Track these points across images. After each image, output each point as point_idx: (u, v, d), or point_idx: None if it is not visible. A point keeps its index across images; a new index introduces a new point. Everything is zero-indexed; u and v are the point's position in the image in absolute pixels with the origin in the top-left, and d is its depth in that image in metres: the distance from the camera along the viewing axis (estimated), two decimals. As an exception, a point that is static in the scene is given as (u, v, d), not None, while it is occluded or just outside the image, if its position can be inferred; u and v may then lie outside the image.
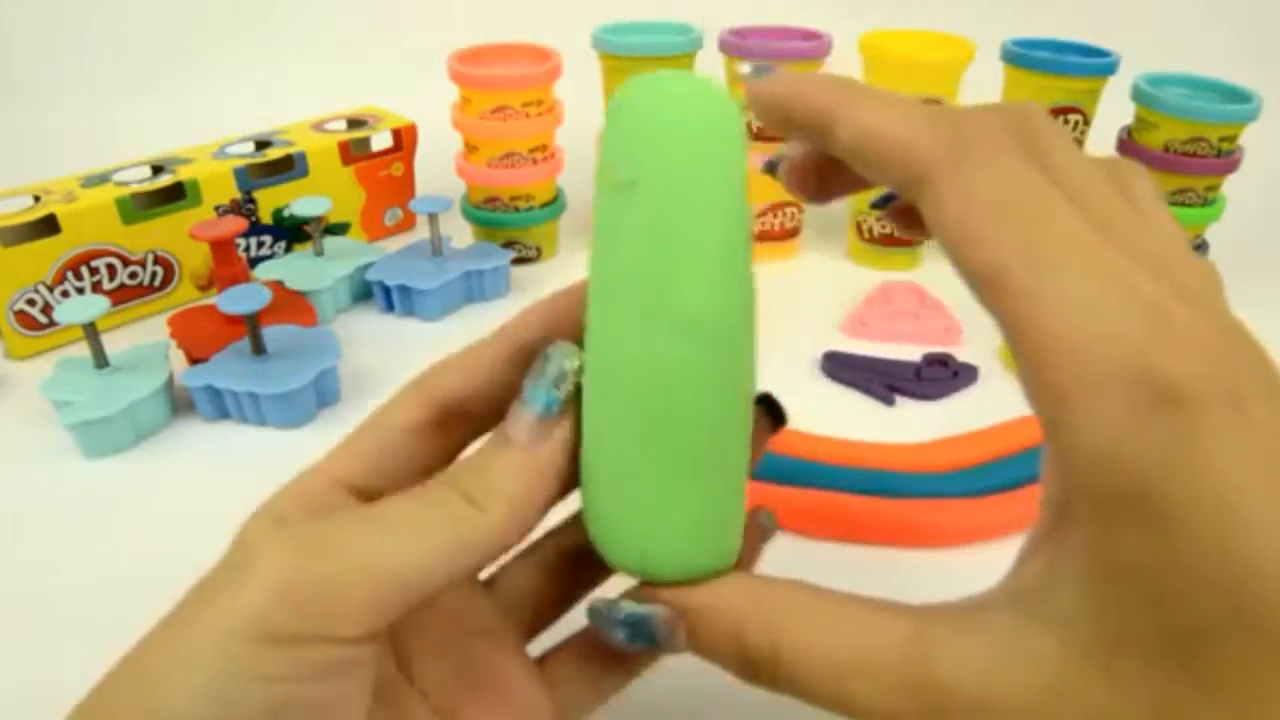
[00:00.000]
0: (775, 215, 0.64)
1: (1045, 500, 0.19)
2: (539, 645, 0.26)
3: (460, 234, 0.64)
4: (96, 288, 0.55)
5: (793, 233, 0.66)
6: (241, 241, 0.61)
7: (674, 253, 0.20)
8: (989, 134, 0.19)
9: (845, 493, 0.40)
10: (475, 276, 0.59)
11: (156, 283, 0.58)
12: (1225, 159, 0.55)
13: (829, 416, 0.44)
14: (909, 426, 0.46)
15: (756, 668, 0.20)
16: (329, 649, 0.18)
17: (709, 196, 0.20)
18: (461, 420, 0.24)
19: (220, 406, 0.48)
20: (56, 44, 0.88)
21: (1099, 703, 0.16)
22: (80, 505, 0.42)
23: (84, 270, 0.54)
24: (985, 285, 0.17)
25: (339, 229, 0.66)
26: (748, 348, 0.22)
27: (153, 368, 0.47)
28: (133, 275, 0.56)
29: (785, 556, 0.27)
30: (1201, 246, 0.59)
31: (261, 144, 0.62)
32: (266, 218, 0.62)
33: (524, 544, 0.26)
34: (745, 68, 0.23)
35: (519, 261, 0.63)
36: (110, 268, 0.55)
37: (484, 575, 0.26)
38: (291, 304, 0.53)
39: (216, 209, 0.59)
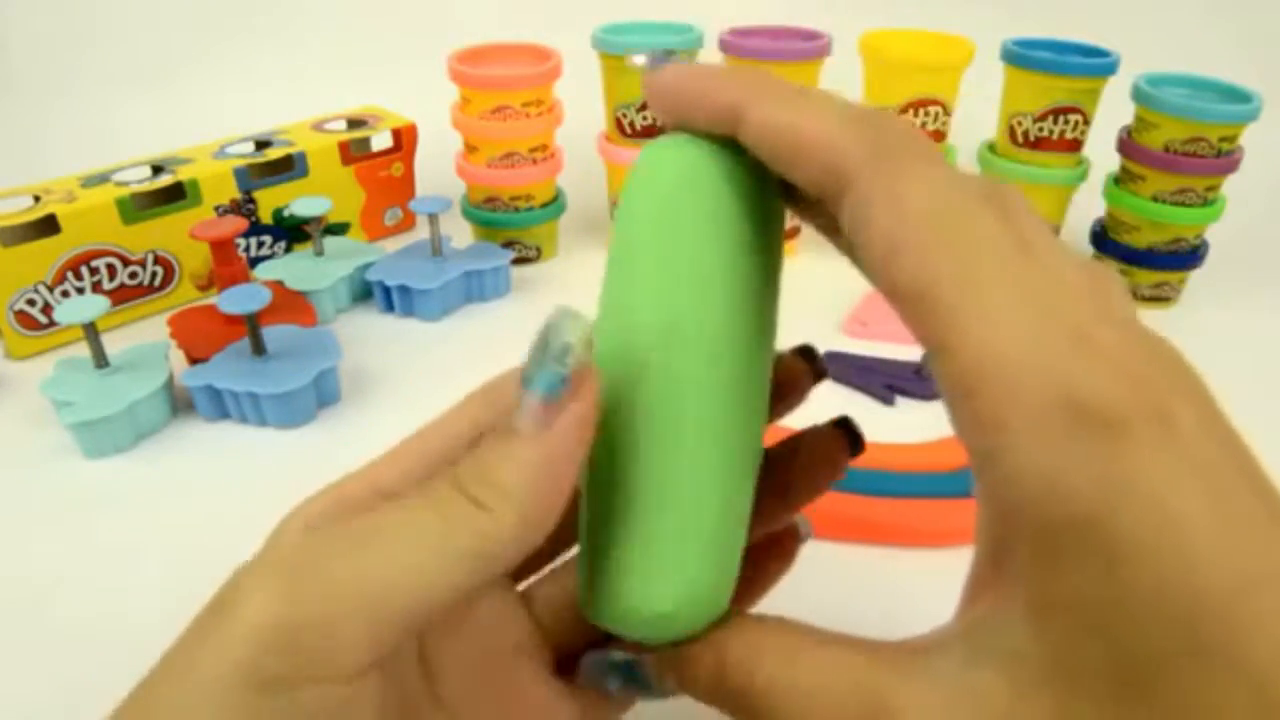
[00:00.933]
0: (775, 215, 0.64)
1: (981, 537, 0.19)
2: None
3: (460, 234, 0.64)
4: (96, 288, 0.55)
5: (793, 233, 0.65)
6: (241, 241, 0.61)
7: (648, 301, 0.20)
8: (910, 138, 0.18)
9: (845, 493, 0.40)
10: (475, 276, 0.59)
11: (156, 283, 0.58)
12: (1225, 159, 0.55)
13: (829, 417, 0.44)
14: (909, 426, 0.46)
15: (735, 699, 0.20)
16: (325, 689, 0.17)
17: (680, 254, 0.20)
18: None
19: (220, 406, 0.48)
20: (56, 43, 0.88)
21: None
22: (80, 505, 0.43)
23: (84, 270, 0.54)
24: (911, 301, 0.17)
25: (339, 229, 0.66)
26: (750, 398, 0.21)
27: (153, 368, 0.47)
28: (133, 275, 0.57)
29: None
30: (1201, 246, 0.59)
31: (261, 144, 0.62)
32: (266, 218, 0.62)
33: (567, 555, 0.26)
34: (639, 59, 0.22)
35: (519, 261, 0.63)
36: (110, 268, 0.55)
37: (522, 586, 0.26)
38: (291, 304, 0.53)
39: (216, 209, 0.59)
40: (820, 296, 0.60)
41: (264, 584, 0.18)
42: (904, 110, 0.61)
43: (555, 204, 0.64)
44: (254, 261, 0.62)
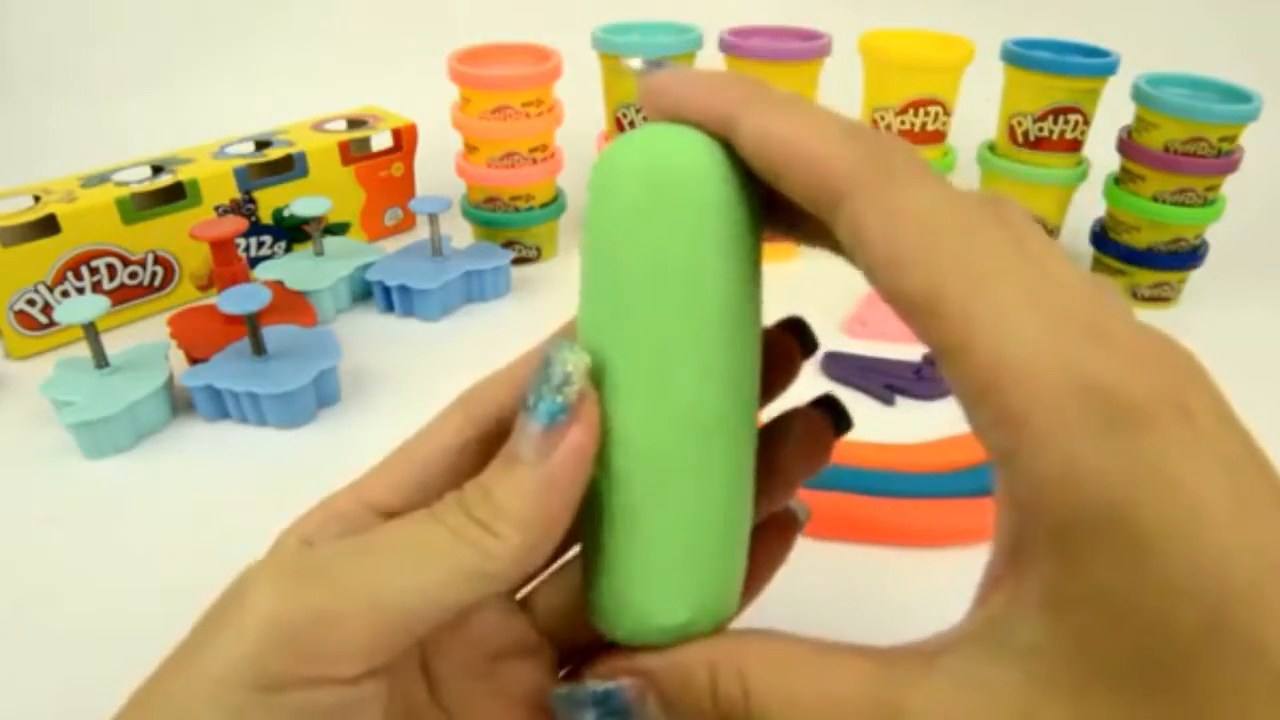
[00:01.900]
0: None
1: (998, 535, 0.19)
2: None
3: (460, 234, 0.64)
4: (96, 288, 0.55)
5: (793, 233, 0.65)
6: (241, 241, 0.61)
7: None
8: (906, 154, 0.18)
9: (845, 493, 0.41)
10: (475, 276, 0.59)
11: (156, 283, 0.58)
12: (1225, 159, 0.55)
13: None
14: (909, 426, 0.46)
15: (731, 718, 0.20)
16: (330, 690, 0.18)
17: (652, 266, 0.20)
18: (506, 439, 0.22)
19: (220, 406, 0.48)
20: (56, 44, 0.88)
21: None
22: (80, 505, 0.43)
23: (84, 270, 0.54)
24: (920, 310, 0.17)
25: (339, 229, 0.66)
26: (739, 426, 0.21)
27: (153, 368, 0.47)
28: (133, 275, 0.56)
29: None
30: (1201, 246, 0.59)
31: (261, 144, 0.62)
32: (266, 218, 0.62)
33: (562, 560, 0.25)
34: (635, 63, 0.21)
35: (519, 261, 0.63)
36: (110, 268, 0.55)
37: (520, 595, 0.26)
38: (291, 304, 0.53)
39: (216, 209, 0.59)
40: (820, 296, 0.60)
41: (269, 585, 0.18)
42: (904, 110, 0.61)
43: (555, 204, 0.64)
44: (254, 261, 0.62)
